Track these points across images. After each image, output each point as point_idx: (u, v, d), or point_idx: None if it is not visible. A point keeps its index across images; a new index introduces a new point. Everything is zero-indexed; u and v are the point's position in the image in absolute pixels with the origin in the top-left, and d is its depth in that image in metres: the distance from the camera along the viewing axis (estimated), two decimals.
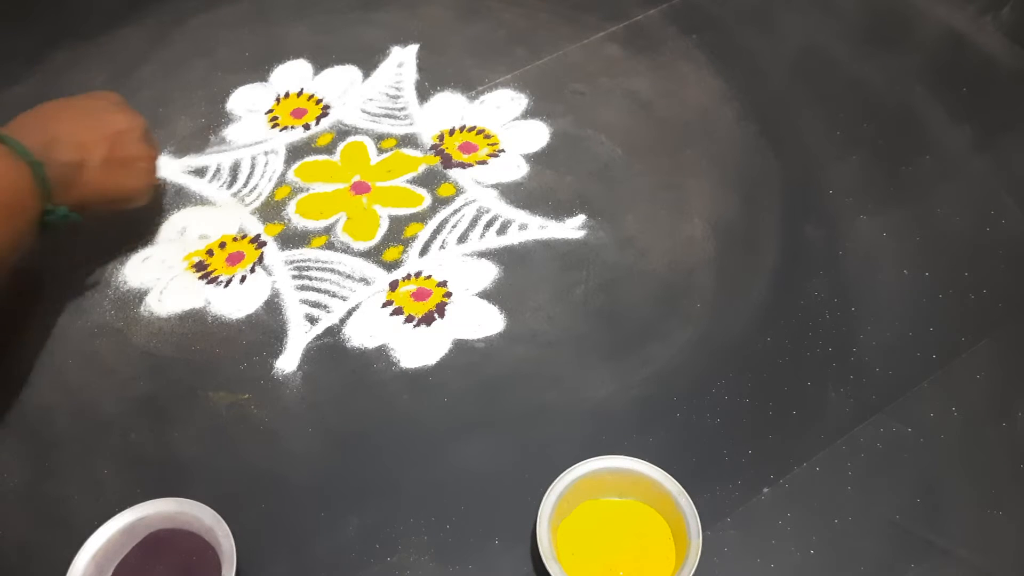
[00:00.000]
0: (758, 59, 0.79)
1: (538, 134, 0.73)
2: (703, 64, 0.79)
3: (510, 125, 0.74)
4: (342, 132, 0.74)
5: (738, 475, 0.53)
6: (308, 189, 0.70)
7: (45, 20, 0.84)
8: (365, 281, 0.64)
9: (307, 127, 0.74)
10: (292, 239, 0.66)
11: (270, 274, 0.64)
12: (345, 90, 0.77)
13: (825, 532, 0.51)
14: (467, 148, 0.72)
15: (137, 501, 0.49)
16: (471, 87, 0.77)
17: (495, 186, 0.69)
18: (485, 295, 0.63)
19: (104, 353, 0.60)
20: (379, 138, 0.73)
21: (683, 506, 0.48)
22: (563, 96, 0.76)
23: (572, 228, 0.66)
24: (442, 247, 0.66)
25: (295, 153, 0.73)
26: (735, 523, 0.51)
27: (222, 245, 0.66)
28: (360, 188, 0.70)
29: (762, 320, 0.61)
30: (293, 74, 0.79)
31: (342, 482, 0.54)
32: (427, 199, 0.69)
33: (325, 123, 0.75)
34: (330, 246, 0.66)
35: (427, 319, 0.61)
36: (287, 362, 0.59)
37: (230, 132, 0.74)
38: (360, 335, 0.60)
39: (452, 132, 0.73)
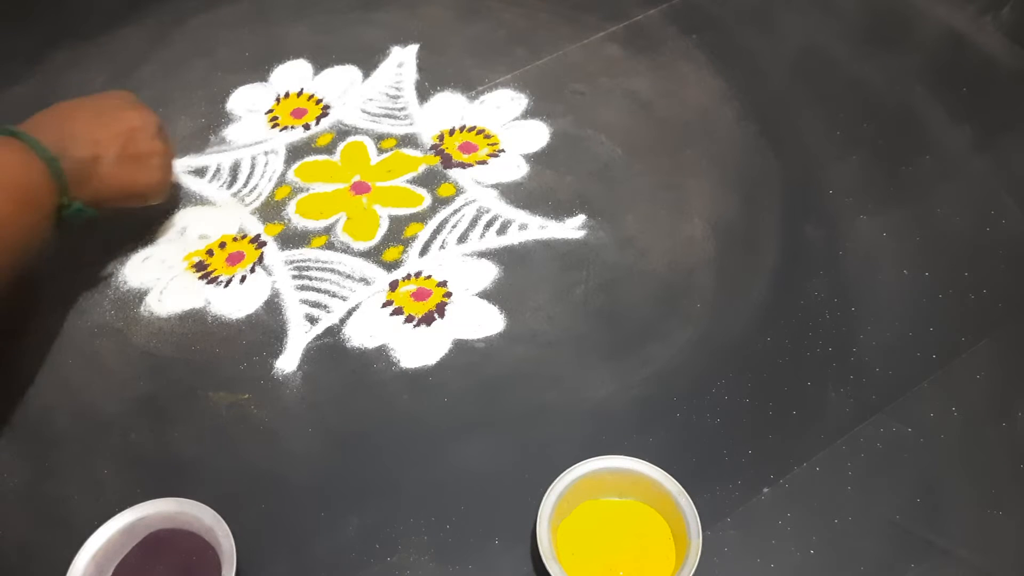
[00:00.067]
0: (758, 59, 0.79)
1: (538, 134, 0.73)
2: (703, 64, 0.79)
3: (510, 125, 0.74)
4: (342, 132, 0.74)
5: (738, 475, 0.53)
6: (308, 189, 0.70)
7: (45, 20, 0.84)
8: (365, 281, 0.64)
9: (307, 127, 0.74)
10: (292, 239, 0.66)
11: (270, 274, 0.64)
12: (345, 90, 0.77)
13: (825, 532, 0.51)
14: (467, 148, 0.72)
15: (137, 501, 0.49)
16: (471, 87, 0.77)
17: (495, 186, 0.69)
18: (485, 295, 0.63)
19: (104, 353, 0.60)
20: (379, 138, 0.73)
21: (683, 506, 0.48)
22: (563, 96, 0.76)
23: (572, 228, 0.66)
24: (442, 247, 0.66)
25: (295, 153, 0.73)
26: (735, 523, 0.51)
27: (222, 245, 0.66)
28: (360, 188, 0.70)
29: (762, 320, 0.61)
30: (293, 74, 0.79)
31: (342, 482, 0.54)
32: (427, 199, 0.69)
33: (325, 123, 0.75)
34: (330, 246, 0.66)
35: (427, 319, 0.61)
36: (287, 362, 0.59)
37: (230, 132, 0.74)
38: (360, 335, 0.60)
39: (452, 132, 0.73)
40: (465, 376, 0.58)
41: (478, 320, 0.61)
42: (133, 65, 0.79)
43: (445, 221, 0.67)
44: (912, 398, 0.57)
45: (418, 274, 0.64)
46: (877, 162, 0.71)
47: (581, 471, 0.49)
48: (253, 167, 0.72)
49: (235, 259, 0.65)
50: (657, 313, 0.61)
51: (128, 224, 0.67)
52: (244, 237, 0.67)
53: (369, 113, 0.75)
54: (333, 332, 0.61)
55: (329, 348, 0.60)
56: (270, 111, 0.76)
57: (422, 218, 0.67)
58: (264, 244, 0.66)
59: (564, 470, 0.49)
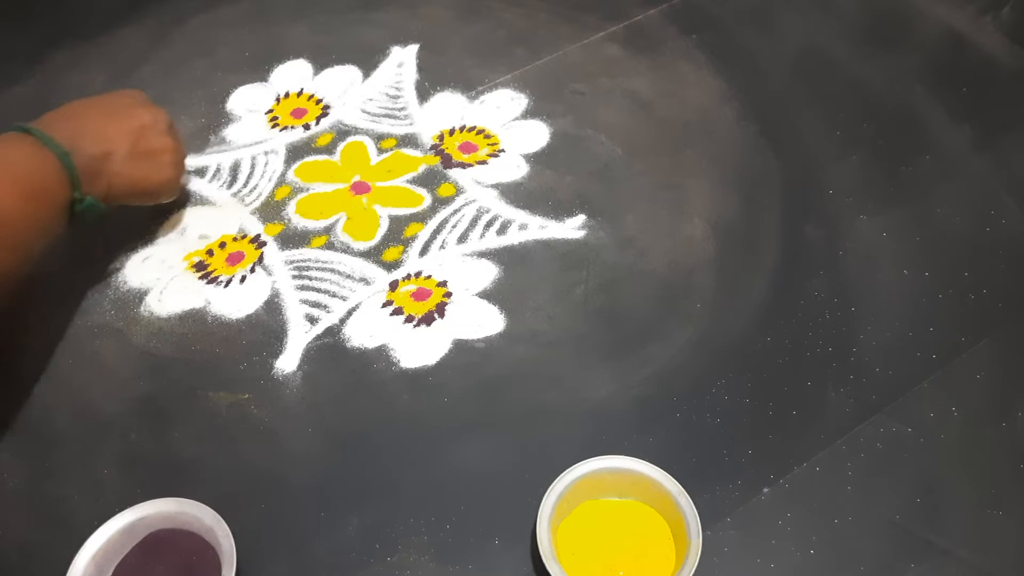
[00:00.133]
0: (758, 59, 0.79)
1: (538, 134, 0.73)
2: (703, 64, 0.79)
3: (510, 125, 0.74)
4: (342, 132, 0.74)
5: (738, 475, 0.53)
6: (308, 189, 0.70)
7: (45, 20, 0.84)
8: (365, 281, 0.64)
9: (307, 127, 0.74)
10: (292, 239, 0.66)
11: (270, 274, 0.64)
12: (345, 90, 0.77)
13: (825, 532, 0.51)
14: (467, 148, 0.72)
15: (137, 501, 0.49)
16: (471, 87, 0.77)
17: (495, 186, 0.69)
18: (485, 295, 0.63)
19: (104, 353, 0.60)
20: (379, 138, 0.73)
21: (683, 506, 0.48)
22: (563, 96, 0.76)
23: (572, 228, 0.66)
24: (442, 247, 0.66)
25: (295, 153, 0.73)
26: (735, 523, 0.51)
27: (222, 245, 0.66)
28: (360, 188, 0.70)
29: (762, 320, 0.61)
30: (293, 74, 0.79)
31: (342, 482, 0.54)
32: (427, 199, 0.69)
33: (325, 123, 0.75)
34: (330, 246, 0.66)
35: (427, 319, 0.61)
36: (287, 362, 0.59)
37: (230, 132, 0.74)
38: (360, 335, 0.60)
39: (452, 132, 0.73)
40: (465, 376, 0.58)
41: (478, 320, 0.61)
42: (133, 65, 0.79)
43: (445, 221, 0.67)
44: (912, 398, 0.57)
45: (418, 274, 0.64)
46: (877, 162, 0.71)
47: (581, 471, 0.49)
48: (253, 167, 0.72)
49: (235, 259, 0.65)
50: (657, 313, 0.61)
51: (128, 224, 0.67)
52: (244, 237, 0.67)
53: (369, 113, 0.75)
54: (333, 332, 0.61)
55: (329, 348, 0.60)
56: (270, 111, 0.76)
57: (422, 218, 0.67)
58: (264, 244, 0.66)
59: (564, 470, 0.49)
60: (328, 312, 0.62)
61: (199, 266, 0.65)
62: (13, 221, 0.52)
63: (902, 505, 0.52)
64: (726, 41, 0.81)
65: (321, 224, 0.67)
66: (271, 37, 0.82)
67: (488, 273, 0.64)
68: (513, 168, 0.71)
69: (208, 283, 0.64)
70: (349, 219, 0.68)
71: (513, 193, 0.69)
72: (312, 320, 0.61)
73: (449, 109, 0.75)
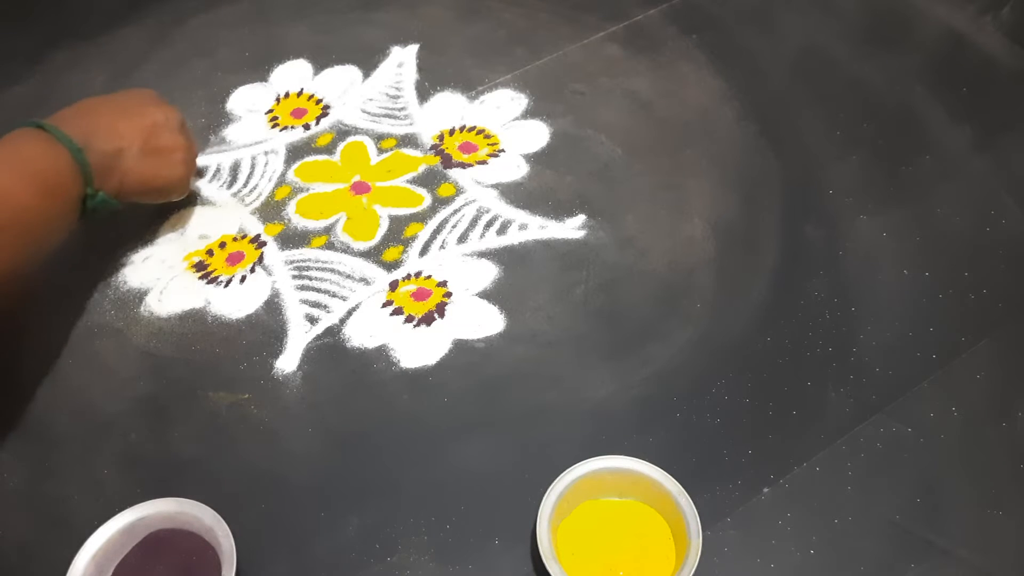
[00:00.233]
0: (758, 59, 0.79)
1: (538, 134, 0.73)
2: (703, 64, 0.79)
3: (510, 125, 0.74)
4: (342, 132, 0.74)
5: (738, 475, 0.53)
6: (308, 189, 0.70)
7: (45, 20, 0.84)
8: (365, 281, 0.64)
9: (307, 127, 0.74)
10: (292, 239, 0.66)
11: (270, 274, 0.64)
12: (345, 90, 0.77)
13: (825, 532, 0.51)
14: (467, 148, 0.72)
15: (137, 501, 0.49)
16: (471, 87, 0.77)
17: (495, 186, 0.69)
18: (485, 295, 0.63)
19: (104, 353, 0.60)
20: (379, 138, 0.73)
21: (683, 506, 0.48)
22: (563, 96, 0.76)
23: (572, 228, 0.66)
24: (442, 247, 0.66)
25: (295, 153, 0.73)
26: (735, 523, 0.51)
27: (222, 245, 0.66)
28: (360, 188, 0.70)
29: (762, 320, 0.61)
30: (293, 74, 0.79)
31: (342, 482, 0.54)
32: (427, 199, 0.69)
33: (325, 123, 0.75)
34: (330, 246, 0.66)
35: (427, 319, 0.61)
36: (287, 362, 0.59)
37: (230, 132, 0.74)
38: (360, 335, 0.60)
39: (452, 132, 0.73)
40: (465, 376, 0.58)
41: (478, 320, 0.61)
42: (133, 65, 0.79)
43: (445, 221, 0.67)
44: (912, 398, 0.57)
45: (418, 274, 0.64)
46: (877, 162, 0.71)
47: (581, 471, 0.49)
48: (253, 167, 0.72)
49: (235, 259, 0.65)
50: (657, 313, 0.61)
51: (128, 224, 0.67)
52: (244, 237, 0.67)
53: (369, 113, 0.75)
54: (333, 332, 0.61)
55: (329, 348, 0.60)
56: (270, 111, 0.76)
57: (422, 218, 0.67)
58: (264, 244, 0.66)
59: (564, 470, 0.49)
60: (328, 312, 0.62)
61: (199, 266, 0.65)
62: (29, 216, 0.52)
63: (902, 505, 0.52)
64: (726, 41, 0.81)
65: (321, 224, 0.67)
66: (271, 37, 0.82)
67: (488, 273, 0.64)
68: (513, 168, 0.71)
69: (208, 283, 0.64)
70: (349, 219, 0.68)
71: (513, 193, 0.69)
72: (312, 320, 0.61)
73: (449, 109, 0.75)
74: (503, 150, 0.72)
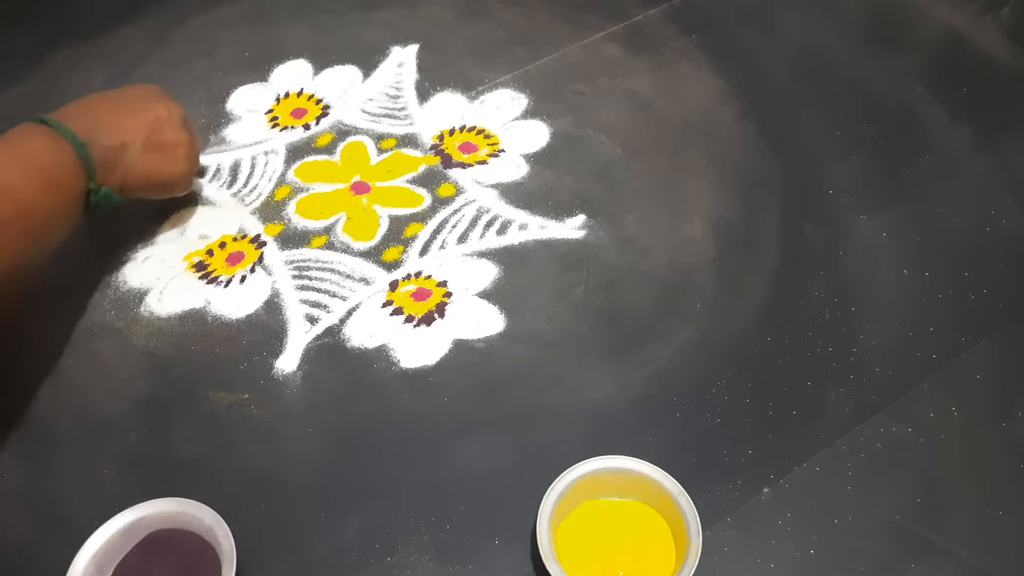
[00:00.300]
0: (758, 59, 0.79)
1: (538, 134, 0.73)
2: (703, 64, 0.79)
3: (510, 125, 0.74)
4: (342, 132, 0.74)
5: (738, 475, 0.53)
6: (308, 189, 0.70)
7: (45, 20, 0.84)
8: (365, 281, 0.64)
9: (307, 127, 0.74)
10: (292, 239, 0.66)
11: (270, 274, 0.64)
12: (345, 90, 0.77)
13: (825, 532, 0.51)
14: (467, 148, 0.72)
15: (137, 501, 0.49)
16: (471, 87, 0.77)
17: (495, 186, 0.69)
18: (485, 295, 0.63)
19: (104, 353, 0.60)
20: (379, 138, 0.73)
21: (683, 506, 0.48)
22: (563, 96, 0.76)
23: (572, 228, 0.66)
24: (442, 247, 0.66)
25: (295, 153, 0.73)
26: (735, 523, 0.51)
27: (222, 245, 0.66)
28: (360, 188, 0.70)
29: (762, 320, 0.61)
30: (293, 74, 0.79)
31: (342, 482, 0.54)
32: (427, 199, 0.69)
33: (325, 123, 0.75)
34: (330, 246, 0.66)
35: (427, 319, 0.61)
36: (287, 362, 0.59)
37: (230, 132, 0.74)
38: (360, 335, 0.60)
39: (452, 132, 0.73)
40: (465, 376, 0.58)
41: (478, 320, 0.61)
42: (133, 65, 0.79)
43: (445, 221, 0.67)
44: (912, 398, 0.57)
45: (418, 274, 0.64)
46: (877, 162, 0.71)
47: (581, 471, 0.49)
48: (253, 167, 0.72)
49: (235, 259, 0.65)
50: (657, 313, 0.61)
51: (128, 224, 0.67)
52: (244, 237, 0.67)
53: (369, 113, 0.75)
54: (333, 332, 0.61)
55: (329, 348, 0.60)
56: (270, 111, 0.76)
57: (422, 218, 0.67)
58: (264, 244, 0.66)
59: (564, 470, 0.49)
60: (328, 312, 0.62)
61: (199, 266, 0.65)
62: (33, 211, 0.53)
63: (902, 505, 0.52)
64: (726, 41, 0.81)
65: (321, 224, 0.67)
66: (271, 37, 0.82)
67: (488, 273, 0.64)
68: (513, 168, 0.71)
69: (208, 283, 0.64)
70: (349, 219, 0.68)
71: (513, 193, 0.69)
72: (312, 320, 0.61)
73: (449, 109, 0.75)
74: (503, 150, 0.72)
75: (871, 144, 0.72)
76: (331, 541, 0.51)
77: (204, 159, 0.72)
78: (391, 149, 0.72)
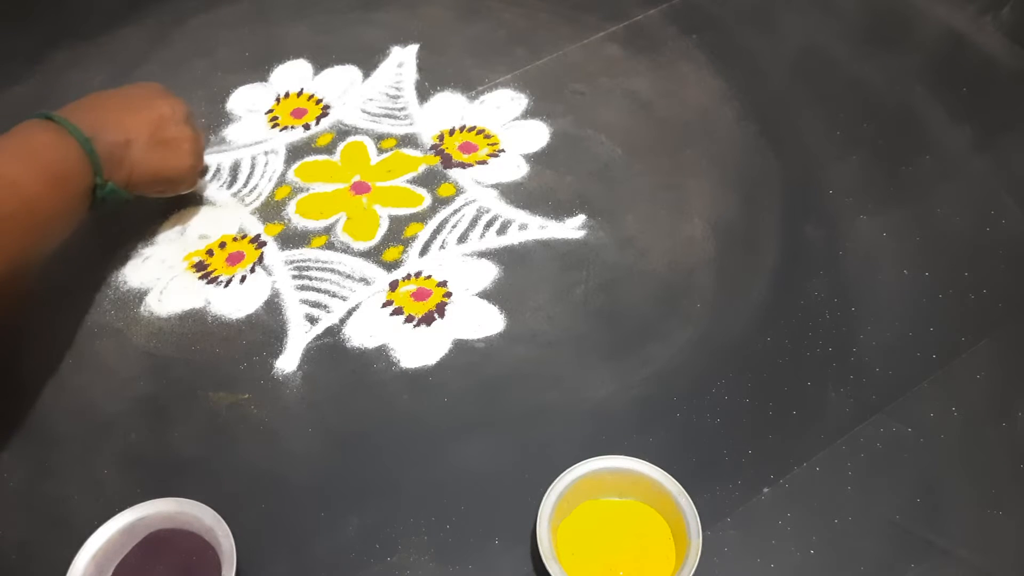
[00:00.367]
0: (758, 59, 0.79)
1: (538, 134, 0.73)
2: (703, 64, 0.79)
3: (510, 125, 0.74)
4: (342, 132, 0.74)
5: (738, 475, 0.53)
6: (308, 189, 0.70)
7: (45, 20, 0.84)
8: (365, 281, 0.64)
9: (307, 127, 0.74)
10: (292, 239, 0.66)
11: (270, 274, 0.64)
12: (345, 90, 0.77)
13: (825, 532, 0.51)
14: (467, 148, 0.72)
15: (137, 501, 0.49)
16: (471, 87, 0.77)
17: (495, 186, 0.69)
18: (485, 295, 0.63)
19: (104, 353, 0.60)
20: (379, 138, 0.73)
21: (683, 506, 0.48)
22: (563, 96, 0.76)
23: (572, 228, 0.66)
24: (442, 247, 0.66)
25: (295, 153, 0.73)
26: (735, 523, 0.51)
27: (222, 245, 0.66)
28: (360, 188, 0.70)
29: (762, 320, 0.61)
30: (293, 74, 0.79)
31: (342, 482, 0.54)
32: (427, 199, 0.69)
33: (325, 123, 0.75)
34: (330, 246, 0.66)
35: (427, 319, 0.61)
36: (287, 362, 0.59)
37: (230, 132, 0.74)
38: (360, 335, 0.60)
39: (452, 132, 0.73)
40: (465, 376, 0.58)
41: (478, 320, 0.61)
42: (133, 65, 0.79)
43: (445, 221, 0.67)
44: (912, 398, 0.57)
45: (418, 274, 0.64)
46: (877, 162, 0.71)
47: (581, 471, 0.49)
48: (253, 167, 0.72)
49: (235, 259, 0.65)
50: (657, 313, 0.61)
51: (128, 224, 0.67)
52: (244, 237, 0.67)
53: (369, 113, 0.75)
54: (333, 332, 0.61)
55: (329, 348, 0.60)
56: (270, 111, 0.76)
57: (422, 218, 0.67)
58: (264, 244, 0.66)
59: (564, 470, 0.49)
60: (328, 312, 0.62)
61: (199, 266, 0.65)
62: (38, 205, 0.53)
63: (902, 505, 0.52)
64: (726, 41, 0.81)
65: (321, 224, 0.67)
66: (271, 37, 0.82)
67: (488, 273, 0.64)
68: (513, 168, 0.71)
69: (208, 283, 0.64)
70: (349, 219, 0.68)
71: (513, 193, 0.69)
72: (312, 320, 0.61)
73: (449, 109, 0.75)
74: (503, 150, 0.72)
75: (871, 144, 0.72)
76: (331, 541, 0.51)
77: (205, 158, 0.72)
78: (391, 149, 0.72)
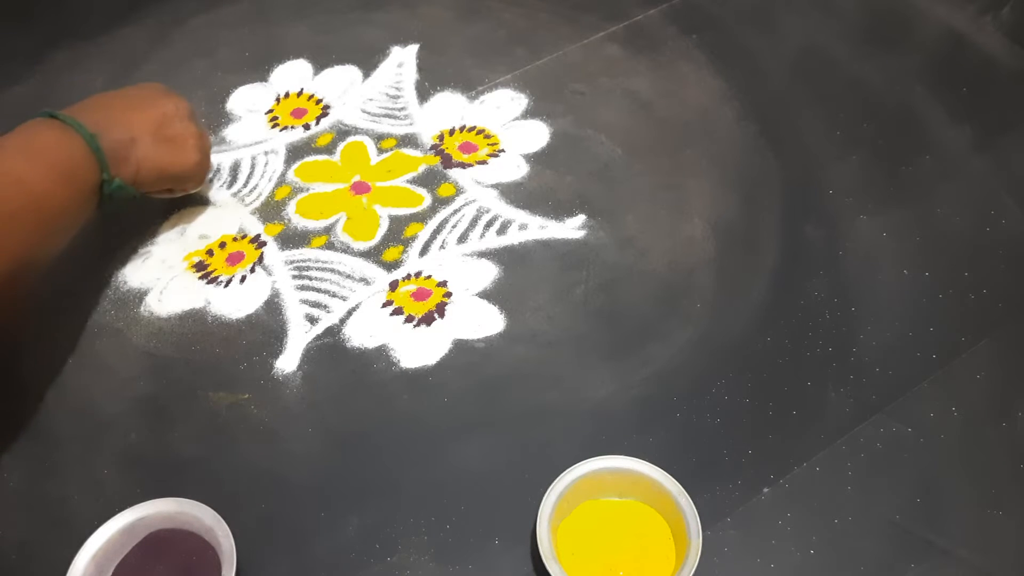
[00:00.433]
0: (758, 59, 0.79)
1: (538, 134, 0.73)
2: (703, 64, 0.79)
3: (510, 125, 0.74)
4: (342, 132, 0.74)
5: (738, 475, 0.53)
6: (308, 189, 0.70)
7: (45, 20, 0.84)
8: (365, 281, 0.64)
9: (307, 127, 0.74)
10: (292, 239, 0.66)
11: (270, 274, 0.64)
12: (345, 90, 0.77)
13: (825, 532, 0.51)
14: (467, 148, 0.72)
15: (137, 501, 0.49)
16: (471, 87, 0.77)
17: (495, 186, 0.69)
18: (485, 295, 0.63)
19: (104, 353, 0.60)
20: (379, 138, 0.73)
21: (683, 506, 0.48)
22: (563, 96, 0.76)
23: (572, 228, 0.66)
24: (442, 247, 0.66)
25: (295, 153, 0.73)
26: (735, 523, 0.51)
27: (222, 245, 0.66)
28: (360, 188, 0.70)
29: (762, 320, 0.61)
30: (293, 74, 0.79)
31: (342, 482, 0.54)
32: (427, 199, 0.69)
33: (325, 123, 0.75)
34: (330, 246, 0.66)
35: (427, 319, 0.61)
36: (287, 362, 0.59)
37: (230, 132, 0.74)
38: (360, 335, 0.60)
39: (452, 132, 0.73)
40: (465, 376, 0.58)
41: (478, 320, 0.61)
42: (133, 65, 0.79)
43: (445, 221, 0.67)
44: (912, 398, 0.57)
45: (418, 274, 0.64)
46: (877, 162, 0.71)
47: (581, 471, 0.49)
48: (253, 167, 0.72)
49: (235, 259, 0.65)
50: (657, 313, 0.61)
51: (128, 224, 0.67)
52: (244, 237, 0.67)
53: (369, 113, 0.75)
54: (333, 332, 0.61)
55: (329, 348, 0.60)
56: (270, 111, 0.76)
57: (422, 218, 0.67)
58: (264, 244, 0.66)
59: (564, 470, 0.49)
60: (328, 312, 0.62)
61: (199, 266, 0.65)
62: (47, 203, 0.53)
63: (902, 505, 0.52)
64: (726, 41, 0.81)
65: (321, 224, 0.67)
66: (271, 37, 0.82)
67: (488, 273, 0.64)
68: (513, 168, 0.71)
69: (208, 283, 0.64)
70: (349, 219, 0.68)
71: (513, 193, 0.69)
72: (312, 320, 0.61)
73: (449, 109, 0.75)
74: (503, 150, 0.72)
75: (871, 144, 0.72)
76: (331, 541, 0.51)
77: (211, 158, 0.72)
78: (391, 149, 0.72)
